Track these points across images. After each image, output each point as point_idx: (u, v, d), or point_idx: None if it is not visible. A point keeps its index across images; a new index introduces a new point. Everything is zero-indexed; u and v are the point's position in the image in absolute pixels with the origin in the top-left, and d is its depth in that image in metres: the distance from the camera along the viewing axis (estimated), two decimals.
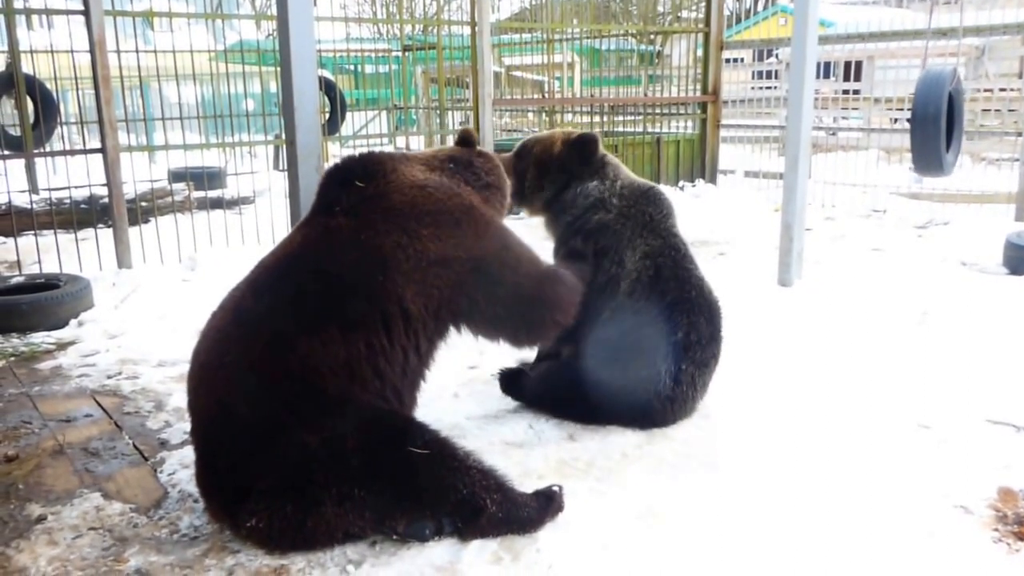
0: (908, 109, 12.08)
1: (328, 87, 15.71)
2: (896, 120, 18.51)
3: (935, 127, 9.73)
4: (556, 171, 6.08)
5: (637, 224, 5.73)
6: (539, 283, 4.76)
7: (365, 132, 20.34)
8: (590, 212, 5.84)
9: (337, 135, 17.02)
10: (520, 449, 5.21)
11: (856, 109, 21.71)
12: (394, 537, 4.08)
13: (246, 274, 4.54)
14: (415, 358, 4.46)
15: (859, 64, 22.30)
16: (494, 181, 5.19)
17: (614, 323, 5.50)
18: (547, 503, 4.29)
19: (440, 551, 4.02)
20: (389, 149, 4.88)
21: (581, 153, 6.01)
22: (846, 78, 22.42)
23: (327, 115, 16.09)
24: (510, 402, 5.92)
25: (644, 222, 5.75)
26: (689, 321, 5.48)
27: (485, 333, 4.71)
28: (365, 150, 4.93)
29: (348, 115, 18.15)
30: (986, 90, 19.55)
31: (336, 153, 18.02)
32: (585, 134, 6.08)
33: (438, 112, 18.72)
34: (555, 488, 4.38)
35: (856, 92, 21.61)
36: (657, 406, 5.41)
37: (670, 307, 5.48)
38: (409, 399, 4.55)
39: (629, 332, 5.47)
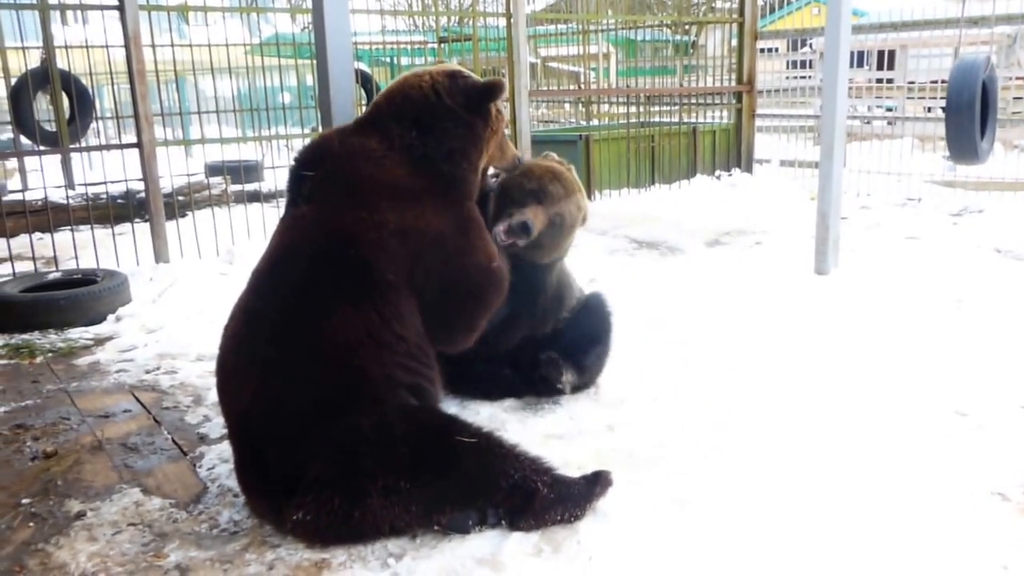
0: (942, 97, 12.01)
1: (364, 79, 15.70)
2: (930, 109, 18.38)
3: (970, 115, 9.67)
4: None
5: None
6: (484, 278, 4.79)
7: None
8: None
9: None
10: (560, 440, 5.20)
11: (890, 98, 21.59)
12: (436, 529, 4.07)
13: (246, 285, 4.59)
14: (419, 321, 4.51)
15: (892, 53, 22.19)
16: (457, 146, 4.75)
17: None
18: (595, 480, 4.31)
19: (481, 543, 4.00)
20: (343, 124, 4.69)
21: None
22: (879, 67, 22.31)
23: (363, 107, 16.09)
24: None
25: None
26: None
27: (424, 316, 4.58)
28: (315, 138, 4.93)
29: None
30: (1018, 78, 19.41)
31: None
32: None
33: None
34: (600, 471, 4.39)
35: (890, 81, 21.49)
36: None
37: None
38: (435, 361, 4.64)
39: None
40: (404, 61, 21.05)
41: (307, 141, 5.01)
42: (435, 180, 4.65)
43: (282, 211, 4.85)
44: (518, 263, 5.34)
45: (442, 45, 18.54)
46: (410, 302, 4.45)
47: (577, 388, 5.92)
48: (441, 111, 4.68)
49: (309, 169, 4.60)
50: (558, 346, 5.82)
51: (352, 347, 4.19)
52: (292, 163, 4.76)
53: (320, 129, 7.01)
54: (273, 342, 4.23)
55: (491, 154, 5.04)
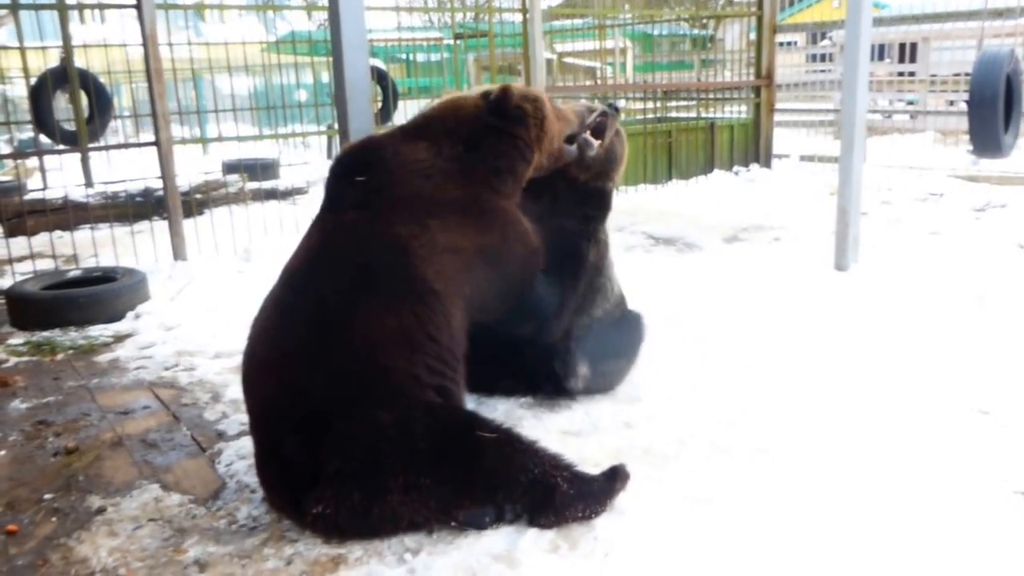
0: (965, 91, 11.97)
1: (380, 76, 15.72)
2: (952, 102, 18.30)
3: (992, 109, 9.63)
4: None
5: None
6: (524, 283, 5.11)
7: None
8: None
9: (390, 124, 17.02)
10: (576, 437, 5.19)
11: (912, 91, 21.51)
12: (452, 525, 4.07)
13: (276, 280, 4.60)
14: (457, 324, 4.57)
15: (914, 46, 22.09)
16: (504, 165, 4.96)
17: None
18: (614, 475, 4.32)
19: (497, 539, 4.00)
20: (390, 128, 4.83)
21: None
22: (901, 60, 22.22)
23: (379, 104, 16.12)
24: None
25: None
26: None
27: (476, 315, 4.79)
28: (363, 137, 5.01)
29: (400, 104, 18.16)
30: None
31: None
32: None
33: None
34: (617, 465, 4.39)
35: (911, 74, 21.40)
36: None
37: None
38: (462, 365, 4.66)
39: None
40: (420, 57, 21.14)
41: (353, 142, 5.01)
42: (479, 189, 4.80)
43: (299, 208, 4.87)
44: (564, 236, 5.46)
45: (458, 41, 18.54)
46: (452, 308, 4.50)
47: (589, 392, 5.86)
48: (484, 129, 4.89)
49: (357, 174, 4.64)
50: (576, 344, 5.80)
51: (383, 345, 4.21)
52: (336, 165, 4.80)
53: (336, 126, 7.02)
54: (303, 335, 4.25)
55: (550, 147, 5.25)
